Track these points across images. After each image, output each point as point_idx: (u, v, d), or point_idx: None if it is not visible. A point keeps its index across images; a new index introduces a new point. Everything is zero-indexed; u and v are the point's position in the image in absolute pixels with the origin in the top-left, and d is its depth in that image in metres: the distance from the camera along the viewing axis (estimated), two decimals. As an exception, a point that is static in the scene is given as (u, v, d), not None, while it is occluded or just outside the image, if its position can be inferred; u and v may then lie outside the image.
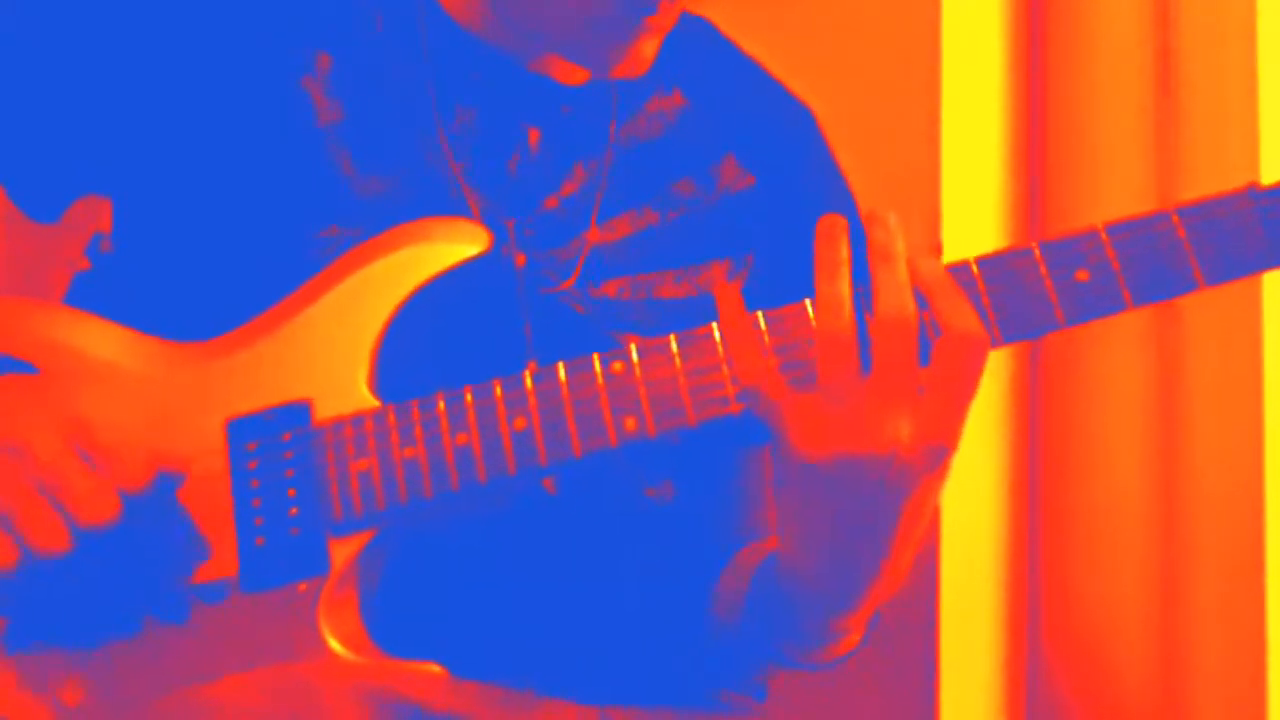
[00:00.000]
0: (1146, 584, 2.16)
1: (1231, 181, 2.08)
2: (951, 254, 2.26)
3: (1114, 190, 2.21)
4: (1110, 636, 2.18)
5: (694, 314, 1.51)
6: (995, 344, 1.30)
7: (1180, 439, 2.16)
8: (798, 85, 1.72)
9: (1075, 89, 2.26)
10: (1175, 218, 1.29)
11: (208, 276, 1.47)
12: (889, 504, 1.31)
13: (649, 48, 1.52)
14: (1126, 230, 1.30)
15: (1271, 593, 2.06)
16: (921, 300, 1.30)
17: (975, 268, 1.31)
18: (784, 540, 1.39)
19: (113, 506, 1.33)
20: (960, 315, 1.29)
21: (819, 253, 1.31)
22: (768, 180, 1.61)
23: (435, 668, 1.36)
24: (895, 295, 1.29)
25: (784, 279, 1.59)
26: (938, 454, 1.29)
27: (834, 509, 1.32)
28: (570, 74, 1.56)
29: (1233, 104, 2.14)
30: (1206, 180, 2.14)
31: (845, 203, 1.69)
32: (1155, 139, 2.20)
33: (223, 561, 1.36)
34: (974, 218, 2.28)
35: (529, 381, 1.34)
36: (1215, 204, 1.29)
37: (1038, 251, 1.31)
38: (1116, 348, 2.18)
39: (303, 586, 1.35)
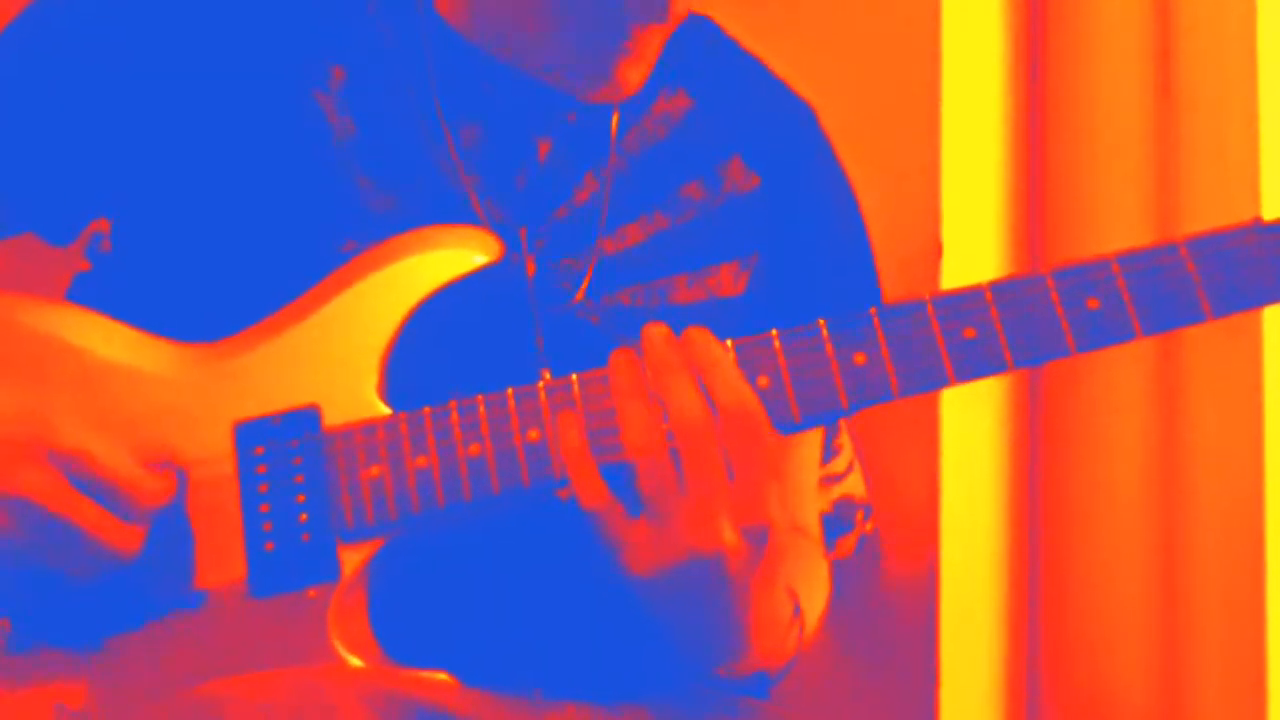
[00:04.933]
0: (1146, 585, 2.17)
1: (1231, 182, 2.11)
2: (951, 254, 2.28)
3: (1114, 191, 2.21)
4: (1110, 638, 2.18)
5: (706, 318, 1.52)
6: (1006, 370, 1.32)
7: (1181, 439, 2.16)
8: (798, 85, 1.72)
9: (1075, 89, 2.26)
10: (1184, 250, 1.31)
11: (220, 288, 1.47)
12: (735, 590, 1.35)
13: (633, 74, 1.51)
14: (1136, 261, 1.31)
15: (1271, 593, 2.06)
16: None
17: (988, 293, 1.32)
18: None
19: (128, 536, 1.34)
20: (731, 393, 1.30)
21: (614, 380, 1.32)
22: (773, 179, 1.61)
23: (443, 676, 1.36)
24: (684, 401, 1.30)
25: (788, 278, 1.59)
26: (760, 535, 1.32)
27: (682, 610, 1.36)
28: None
29: (1233, 104, 2.14)
30: (1207, 181, 2.14)
31: (847, 200, 1.69)
32: (1155, 139, 2.20)
33: (230, 565, 1.36)
34: (974, 218, 2.28)
35: (543, 393, 1.34)
36: (1223, 237, 1.31)
37: (1050, 279, 1.31)
38: (1117, 349, 2.17)
39: (312, 593, 1.35)
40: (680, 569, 1.31)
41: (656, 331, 1.32)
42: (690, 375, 1.31)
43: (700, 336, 1.32)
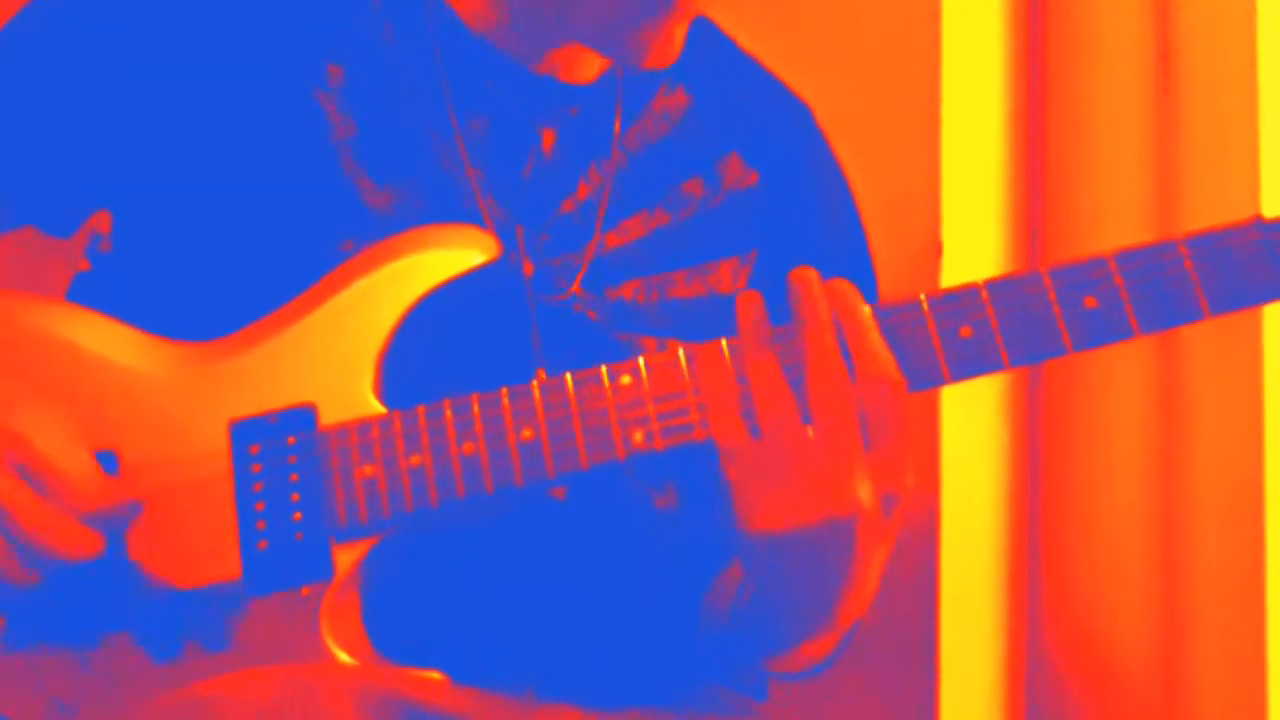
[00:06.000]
0: (1146, 583, 2.16)
1: (1231, 182, 2.11)
2: (951, 254, 2.28)
3: (1114, 191, 2.21)
4: (1110, 636, 2.18)
5: (705, 314, 1.52)
6: (1002, 368, 1.32)
7: (1181, 439, 2.16)
8: (798, 85, 1.72)
9: (1075, 89, 2.26)
10: (1183, 248, 1.31)
11: (219, 287, 1.47)
12: (852, 554, 1.33)
13: (679, 33, 1.50)
14: (1134, 259, 1.31)
15: (1271, 592, 2.06)
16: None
17: (985, 292, 1.32)
18: (748, 578, 1.40)
19: (82, 539, 1.34)
20: (871, 359, 1.30)
21: (743, 322, 1.32)
22: (771, 176, 1.62)
23: (436, 674, 1.36)
24: (823, 358, 1.29)
25: (786, 275, 1.59)
26: (892, 503, 1.31)
27: (797, 567, 1.33)
28: (578, 71, 1.56)
29: (1233, 104, 2.13)
30: (1206, 181, 2.14)
31: (844, 197, 1.70)
32: (1155, 139, 2.20)
33: (225, 564, 1.37)
34: (974, 218, 2.28)
35: (537, 392, 1.34)
36: (1221, 235, 1.31)
37: (1046, 278, 1.31)
38: (1117, 348, 2.18)
39: (306, 591, 1.35)
40: (808, 528, 1.30)
41: (813, 276, 1.32)
42: (831, 332, 1.30)
43: (851, 293, 1.32)
